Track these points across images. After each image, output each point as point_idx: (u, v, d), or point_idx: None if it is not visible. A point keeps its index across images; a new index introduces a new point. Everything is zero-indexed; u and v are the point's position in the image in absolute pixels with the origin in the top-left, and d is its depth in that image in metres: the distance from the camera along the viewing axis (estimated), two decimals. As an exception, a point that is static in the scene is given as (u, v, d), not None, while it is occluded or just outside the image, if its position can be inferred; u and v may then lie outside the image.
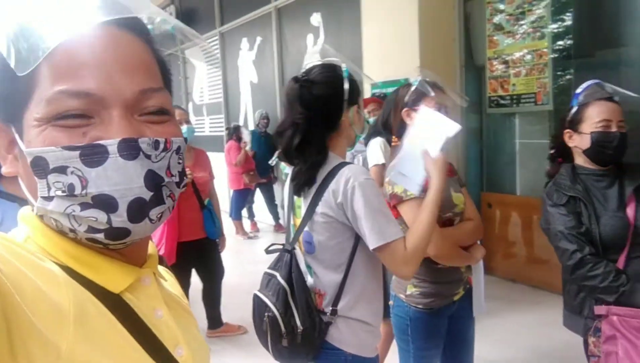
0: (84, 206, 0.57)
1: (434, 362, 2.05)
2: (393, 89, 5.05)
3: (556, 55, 4.53)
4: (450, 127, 1.59)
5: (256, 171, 6.98)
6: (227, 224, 5.55)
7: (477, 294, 2.08)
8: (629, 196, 1.71)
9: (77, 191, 0.57)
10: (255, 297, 1.61)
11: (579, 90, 1.84)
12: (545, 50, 4.44)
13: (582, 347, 1.78)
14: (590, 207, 1.69)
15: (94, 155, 0.57)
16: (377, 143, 2.93)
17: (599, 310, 1.61)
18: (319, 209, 1.53)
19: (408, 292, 1.96)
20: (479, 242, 2.03)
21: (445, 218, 1.89)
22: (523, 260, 4.84)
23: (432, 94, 1.88)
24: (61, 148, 0.56)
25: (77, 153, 0.56)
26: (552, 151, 1.97)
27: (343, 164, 1.54)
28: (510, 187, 5.20)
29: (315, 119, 1.57)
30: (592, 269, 1.60)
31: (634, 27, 5.33)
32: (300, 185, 1.59)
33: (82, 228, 0.58)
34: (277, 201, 7.41)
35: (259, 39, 7.93)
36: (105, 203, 0.57)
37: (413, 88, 1.94)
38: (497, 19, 4.78)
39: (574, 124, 1.81)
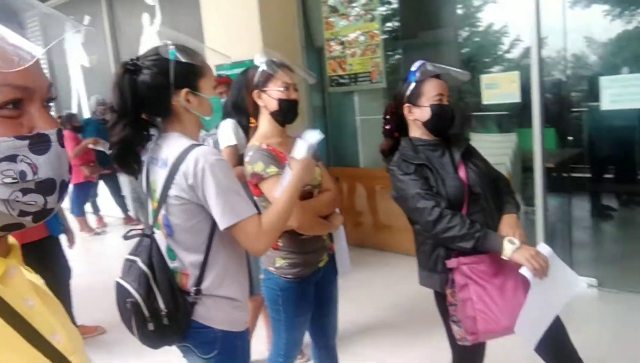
0: (26, 191, 0.64)
1: (304, 328, 2.20)
2: (238, 70, 5.08)
3: (386, 36, 4.91)
4: (313, 135, 1.74)
5: (97, 162, 6.53)
6: (71, 221, 5.15)
7: (340, 257, 2.27)
8: (459, 162, 1.97)
9: (29, 176, 0.63)
10: (117, 285, 1.58)
11: (414, 68, 1.98)
12: (376, 32, 4.79)
13: (434, 299, 2.01)
14: (435, 172, 1.90)
15: (40, 144, 0.64)
16: (228, 124, 2.95)
17: (450, 263, 1.83)
18: (172, 192, 1.54)
19: (277, 265, 2.07)
20: (337, 210, 2.18)
21: (305, 190, 2.00)
22: (369, 227, 5.23)
23: (282, 77, 2.00)
24: (13, 137, 0.63)
25: (27, 142, 0.63)
26: (387, 127, 2.08)
27: (193, 146, 1.54)
28: (354, 160, 5.56)
29: (145, 106, 1.57)
30: (450, 220, 1.79)
31: (449, 8, 5.97)
32: (124, 166, 1.60)
33: (14, 213, 0.64)
34: (125, 192, 7.04)
35: (87, 18, 7.34)
36: (47, 187, 0.65)
37: (261, 69, 2.01)
38: (332, 1, 5.02)
39: (414, 98, 1.97)
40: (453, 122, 1.99)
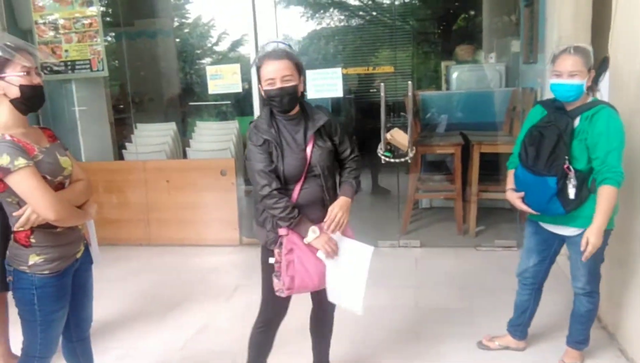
0: None
1: (62, 324, 2.10)
2: None
3: (105, 23, 4.75)
4: None
5: None
6: None
7: (93, 246, 2.26)
8: (310, 137, 2.13)
9: None
10: None
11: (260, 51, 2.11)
12: (95, 18, 4.59)
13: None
14: (279, 149, 2.07)
15: None
16: None
17: (282, 231, 2.11)
18: None
19: (30, 262, 1.93)
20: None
21: (56, 182, 1.94)
22: (96, 223, 4.99)
23: (17, 57, 1.84)
24: None
25: None
26: None
27: None
28: (75, 153, 5.23)
29: None
30: (276, 202, 2.05)
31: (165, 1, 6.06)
32: None
33: None
34: None
35: None
36: None
37: None
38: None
39: (259, 79, 2.10)
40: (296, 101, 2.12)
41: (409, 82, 4.42)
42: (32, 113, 2.01)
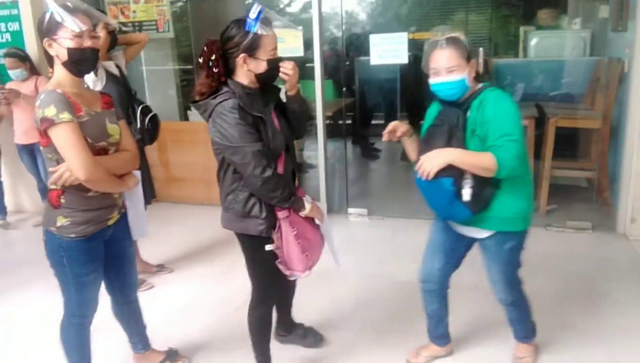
0: None
1: (96, 286, 2.13)
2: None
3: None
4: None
5: None
6: None
7: (133, 219, 2.22)
8: (273, 111, 2.07)
9: None
10: None
11: (253, 15, 1.90)
12: (161, -22, 4.60)
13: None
14: (267, 125, 1.98)
15: None
16: None
17: (282, 213, 2.04)
18: None
19: (58, 224, 1.95)
20: (136, 172, 2.13)
21: (98, 146, 1.93)
22: (162, 181, 5.15)
23: (70, 24, 1.81)
24: None
25: None
26: (216, 70, 1.96)
27: None
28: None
29: None
30: (276, 183, 1.94)
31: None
32: None
33: None
34: None
35: None
36: None
37: (49, 15, 1.83)
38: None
39: (251, 50, 1.93)
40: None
41: (480, 48, 4.11)
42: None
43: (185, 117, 5.50)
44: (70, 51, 1.85)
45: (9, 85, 4.24)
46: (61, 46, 1.86)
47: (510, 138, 1.88)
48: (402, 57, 4.18)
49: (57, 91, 1.84)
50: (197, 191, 4.99)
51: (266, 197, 1.99)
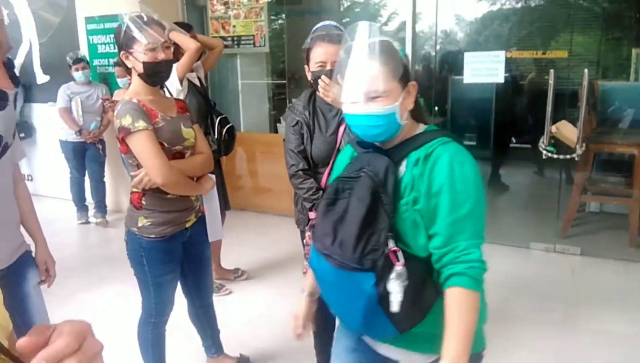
0: None
1: (173, 287, 2.20)
2: (111, 24, 4.79)
3: (270, 0, 4.90)
4: None
5: None
6: None
7: (210, 221, 2.28)
8: (340, 122, 2.04)
9: None
10: None
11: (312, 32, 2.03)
12: (262, -6, 4.76)
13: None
14: (308, 131, 2.04)
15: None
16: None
17: (312, 215, 2.01)
18: None
19: (140, 224, 2.03)
20: (211, 175, 2.19)
21: (174, 150, 2.00)
22: (249, 190, 5.30)
23: (143, 39, 1.89)
24: None
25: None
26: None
27: None
28: (235, 124, 5.55)
29: None
30: (301, 183, 2.05)
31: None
32: None
33: None
34: None
35: None
36: None
37: (124, 28, 1.91)
38: (214, -41, 4.89)
39: (307, 61, 2.02)
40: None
41: (585, 70, 3.84)
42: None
43: (275, 130, 5.63)
44: (145, 64, 1.93)
45: (117, 92, 4.57)
46: (137, 60, 1.94)
47: (478, 241, 1.25)
48: (498, 76, 4.01)
49: (133, 101, 1.93)
50: (282, 202, 5.07)
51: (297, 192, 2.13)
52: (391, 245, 1.24)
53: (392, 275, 1.22)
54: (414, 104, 1.34)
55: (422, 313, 1.27)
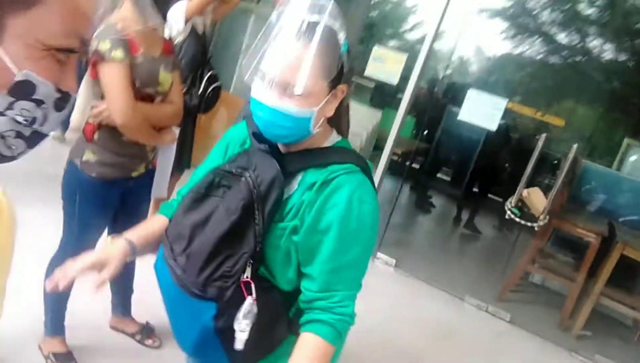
0: (19, 135, 0.59)
1: (99, 232, 2.07)
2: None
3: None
4: None
5: None
6: None
7: (158, 176, 2.16)
8: None
9: (36, 125, 0.60)
10: None
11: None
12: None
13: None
14: None
15: (64, 102, 0.61)
16: None
17: None
18: None
19: (84, 159, 1.90)
20: (175, 129, 2.08)
21: (144, 92, 1.88)
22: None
23: None
24: (54, 85, 0.58)
25: (58, 95, 0.59)
26: None
27: None
28: (227, 83, 5.42)
29: None
30: None
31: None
32: None
33: None
34: None
35: None
36: (35, 141, 0.61)
37: None
38: None
39: None
40: None
41: (574, 145, 3.85)
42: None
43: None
44: None
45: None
46: None
47: (355, 291, 1.10)
48: (492, 122, 3.95)
49: (118, 27, 1.78)
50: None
51: None
52: (247, 273, 1.06)
53: (241, 312, 1.04)
54: (337, 111, 1.10)
55: (266, 351, 1.13)
